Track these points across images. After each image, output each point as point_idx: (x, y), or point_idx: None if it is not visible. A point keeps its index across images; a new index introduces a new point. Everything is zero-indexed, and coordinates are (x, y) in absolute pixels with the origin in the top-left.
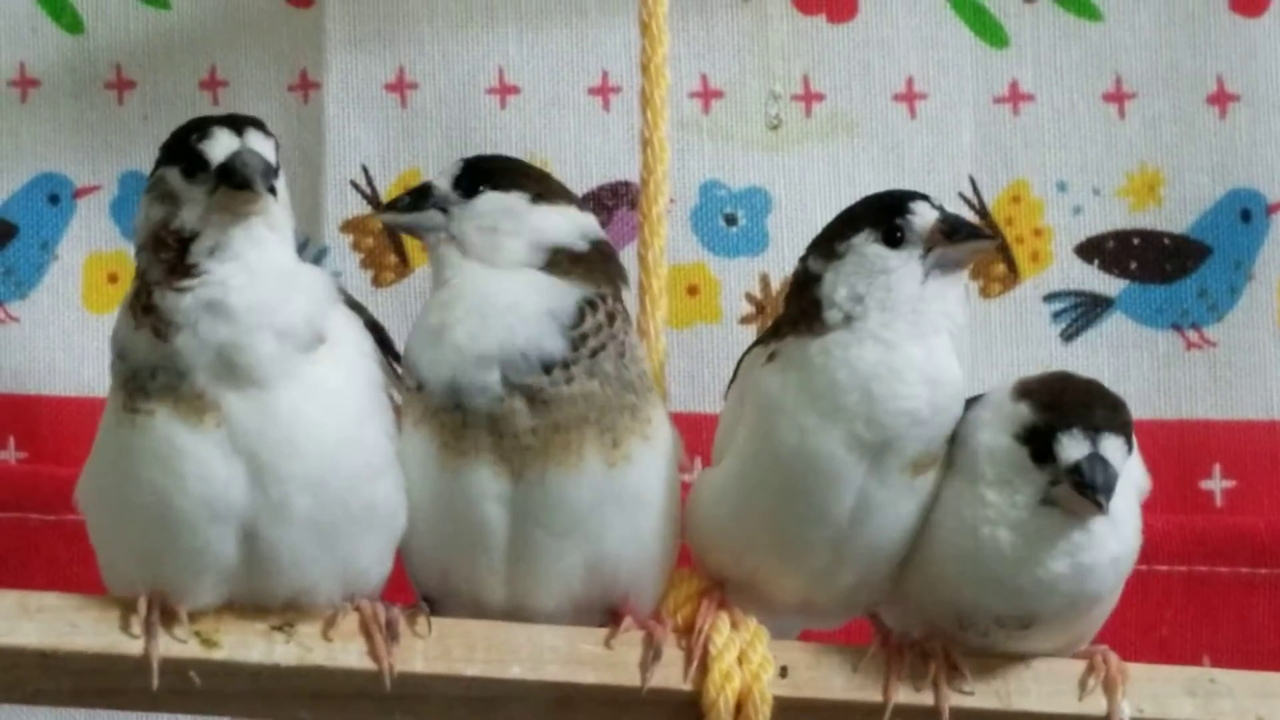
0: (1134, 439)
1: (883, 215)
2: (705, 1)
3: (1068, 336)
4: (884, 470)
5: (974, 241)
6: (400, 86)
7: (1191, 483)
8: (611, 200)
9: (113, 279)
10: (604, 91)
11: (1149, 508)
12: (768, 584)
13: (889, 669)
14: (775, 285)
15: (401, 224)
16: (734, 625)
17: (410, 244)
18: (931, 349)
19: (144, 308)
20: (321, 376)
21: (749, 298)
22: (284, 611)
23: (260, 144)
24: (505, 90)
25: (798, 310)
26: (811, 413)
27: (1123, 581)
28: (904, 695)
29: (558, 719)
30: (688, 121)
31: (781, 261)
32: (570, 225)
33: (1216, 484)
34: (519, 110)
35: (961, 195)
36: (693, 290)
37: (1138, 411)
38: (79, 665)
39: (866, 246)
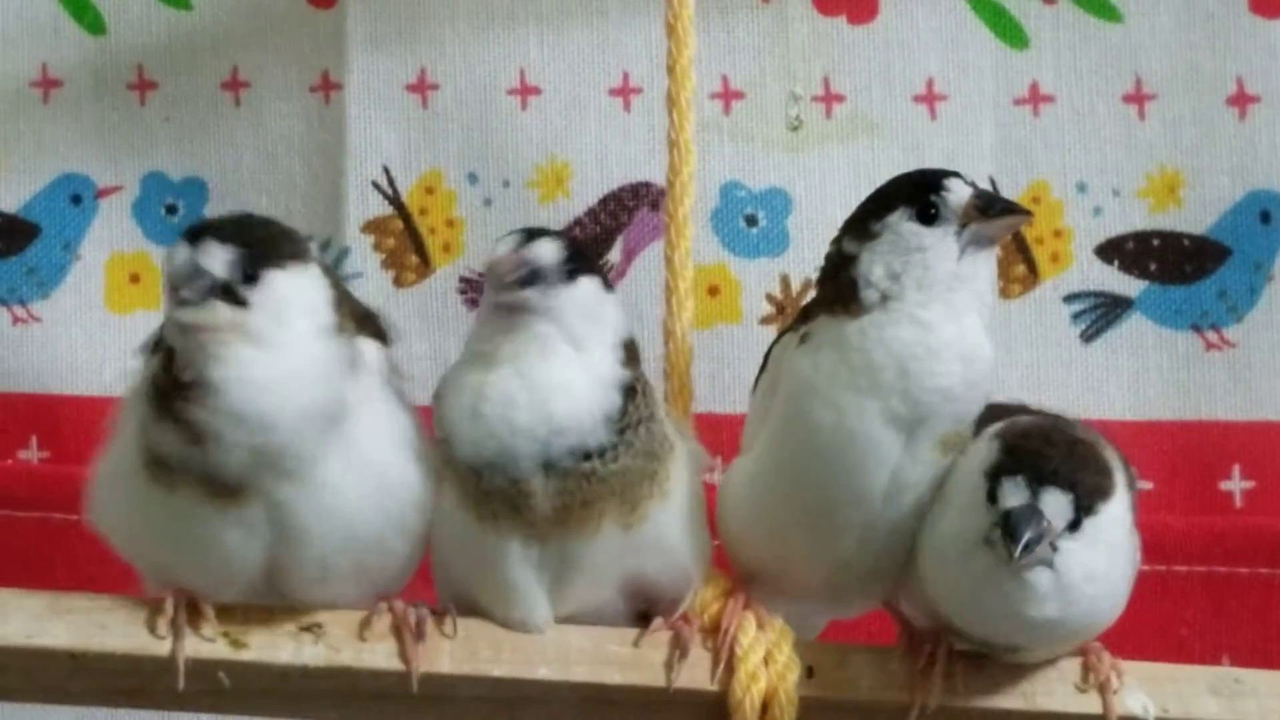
0: (1108, 505)
1: (917, 193)
2: (726, 3)
3: (1087, 337)
4: (916, 448)
5: (1009, 216)
6: (421, 87)
7: (1211, 484)
8: (632, 201)
9: (134, 279)
10: (625, 92)
11: (1168, 508)
12: (796, 570)
13: (915, 670)
14: (795, 286)
15: (517, 302)
16: (760, 625)
17: (431, 245)
18: (964, 328)
19: (162, 410)
20: (350, 451)
21: (769, 298)
22: (313, 612)
23: (210, 254)
24: (526, 91)
25: (833, 292)
26: (848, 391)
27: (1109, 611)
28: (930, 696)
29: (584, 719)
30: (708, 122)
31: (802, 262)
32: (625, 314)
33: (1236, 485)
34: (540, 111)
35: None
36: (713, 291)
37: (1157, 412)
38: (108, 666)
39: (902, 225)
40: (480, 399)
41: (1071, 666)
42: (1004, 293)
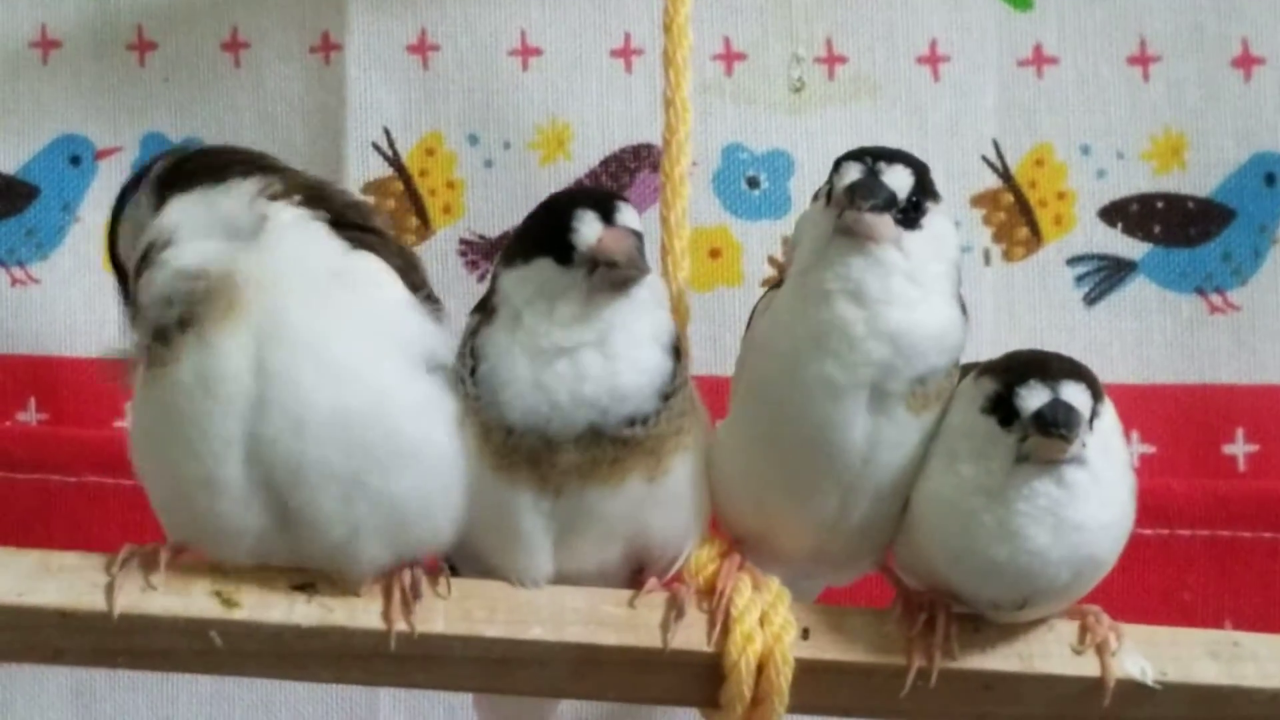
0: (1107, 409)
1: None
2: None
3: (1091, 300)
4: (886, 407)
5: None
6: (422, 48)
7: (1214, 447)
8: (634, 163)
9: None
10: (626, 54)
11: (1171, 472)
12: (781, 533)
13: (911, 634)
14: None
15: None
16: (756, 587)
17: (432, 207)
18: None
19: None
20: (329, 303)
21: (771, 261)
22: (308, 572)
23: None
24: (527, 52)
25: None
26: (801, 343)
27: (1117, 553)
28: (928, 660)
29: (579, 680)
30: (710, 84)
31: None
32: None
33: (1239, 448)
34: (541, 72)
35: (985, 158)
36: (715, 253)
37: (1160, 376)
38: (100, 624)
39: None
40: (546, 368)
41: (1069, 629)
42: (1007, 255)
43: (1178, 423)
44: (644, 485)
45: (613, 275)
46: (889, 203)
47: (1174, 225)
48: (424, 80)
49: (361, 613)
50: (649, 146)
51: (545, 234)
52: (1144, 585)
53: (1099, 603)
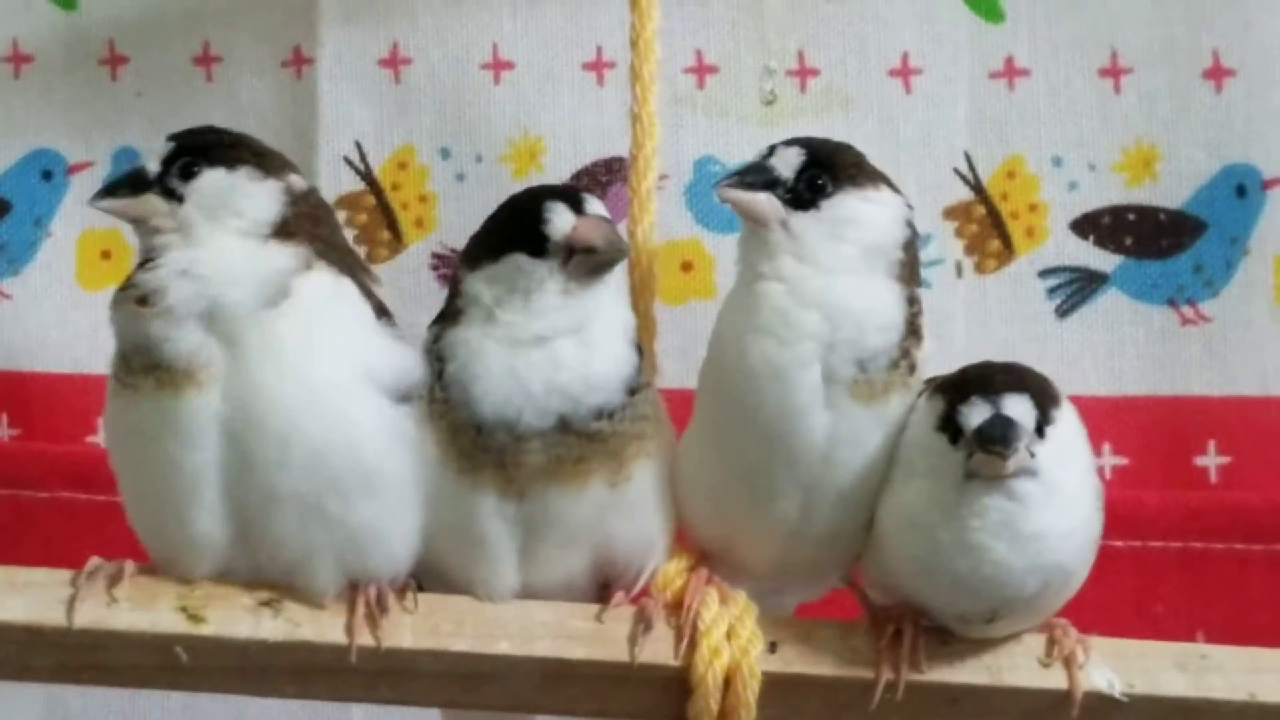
0: (1064, 415)
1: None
2: None
3: (1063, 312)
4: (834, 398)
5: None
6: (394, 62)
7: (1186, 459)
8: (606, 176)
9: (106, 255)
10: (598, 67)
11: (1143, 484)
12: (747, 541)
13: (879, 647)
14: None
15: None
16: (723, 600)
17: (404, 220)
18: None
19: (123, 286)
20: (283, 332)
21: None
22: (274, 587)
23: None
24: (499, 66)
25: None
26: (740, 330)
27: (1085, 561)
28: (894, 673)
29: (546, 695)
30: (682, 97)
31: None
32: None
33: (1211, 460)
34: (513, 86)
35: (956, 170)
36: (687, 266)
37: (1133, 387)
38: (65, 640)
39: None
40: (522, 358)
41: (1036, 642)
42: (979, 268)
43: (1149, 434)
44: (606, 490)
45: (593, 260)
46: (768, 183)
47: (1146, 237)
48: (396, 94)
49: (328, 628)
50: (621, 160)
51: (515, 229)
52: (1115, 597)
53: (1068, 614)
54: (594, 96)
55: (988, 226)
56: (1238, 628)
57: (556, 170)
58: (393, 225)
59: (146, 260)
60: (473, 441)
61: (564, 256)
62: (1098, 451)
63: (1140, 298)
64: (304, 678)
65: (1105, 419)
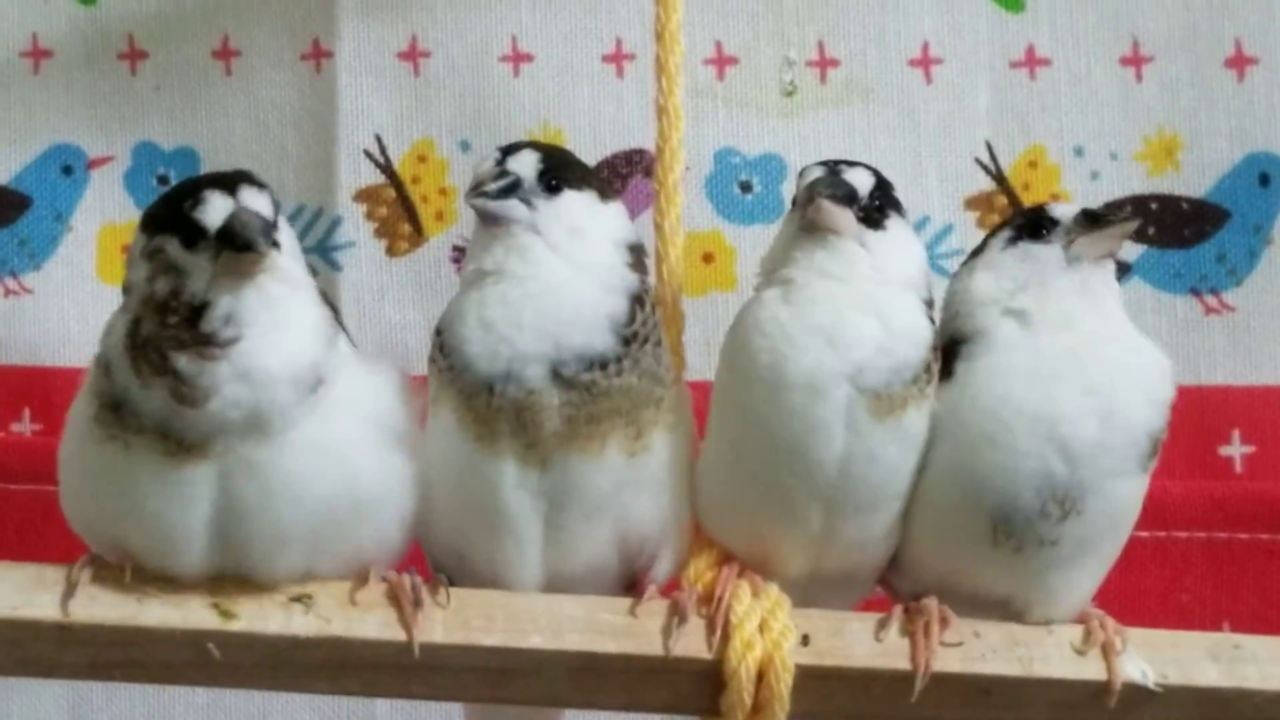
0: None
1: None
2: None
3: None
4: (852, 414)
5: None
6: (413, 55)
7: (1211, 449)
8: (626, 168)
9: (126, 250)
10: (618, 59)
11: (1167, 474)
12: (774, 553)
13: (913, 637)
14: None
15: (490, 210)
16: (755, 593)
17: (424, 213)
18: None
19: (154, 367)
20: (321, 425)
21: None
22: (304, 582)
23: (255, 199)
24: (518, 58)
25: None
26: (779, 342)
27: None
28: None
29: (577, 689)
30: (702, 89)
31: None
32: (628, 221)
33: (1236, 450)
34: (532, 78)
35: (978, 161)
36: (708, 258)
37: None
38: (96, 638)
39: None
40: (484, 307)
41: (1069, 633)
42: None
43: (1174, 424)
44: (624, 460)
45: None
46: (850, 197)
47: (1168, 226)
48: (415, 87)
49: (359, 624)
50: (641, 151)
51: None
52: (1141, 587)
53: (1098, 603)
54: (614, 89)
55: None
56: (1264, 617)
57: None
58: (413, 218)
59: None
60: (486, 405)
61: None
62: None
63: (1163, 287)
64: (335, 674)
65: None
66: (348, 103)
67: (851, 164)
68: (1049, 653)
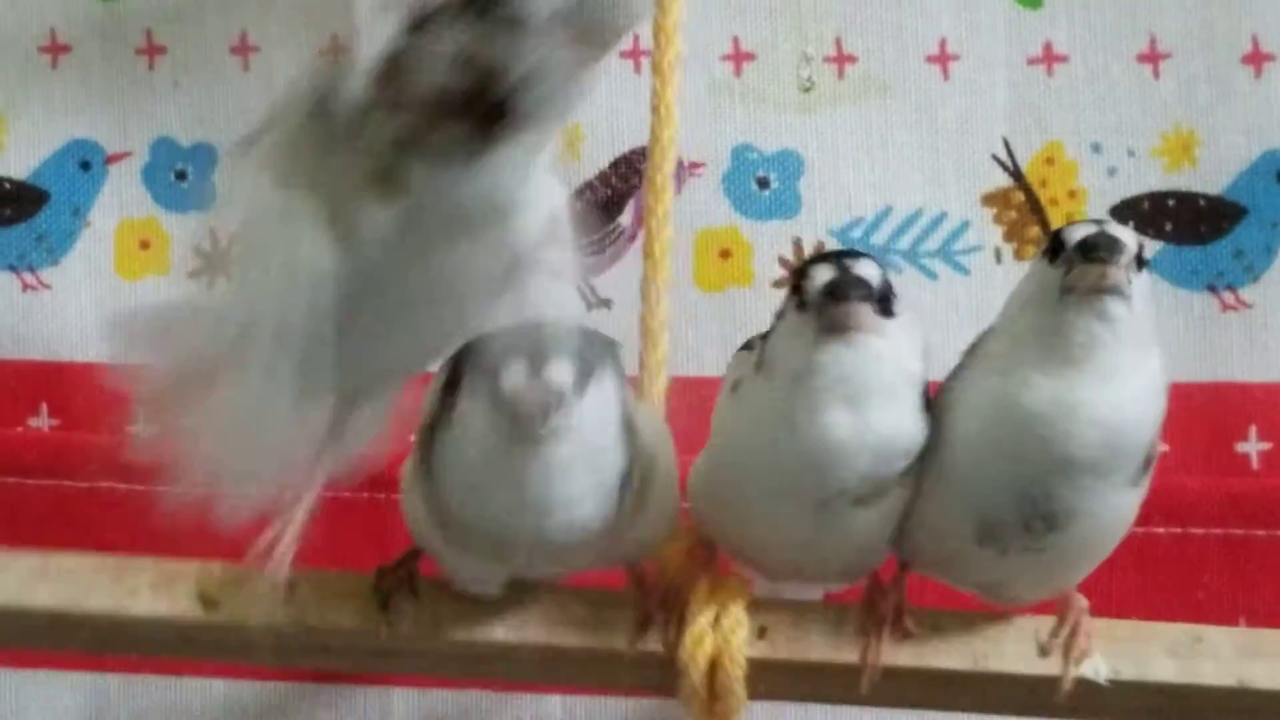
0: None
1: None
2: None
3: None
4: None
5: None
6: None
7: (1227, 445)
8: (643, 163)
9: (144, 245)
10: (636, 55)
11: (1184, 471)
12: (761, 554)
13: (866, 634)
14: (808, 248)
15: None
16: (714, 587)
17: None
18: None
19: None
20: None
21: (781, 261)
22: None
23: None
24: None
25: None
26: (779, 455)
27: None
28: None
29: (547, 673)
30: (719, 85)
31: (814, 225)
32: None
33: (1253, 446)
34: None
35: (995, 157)
36: (725, 254)
37: (1173, 374)
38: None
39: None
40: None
41: (1034, 624)
42: (1019, 254)
43: (1190, 421)
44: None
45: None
46: (868, 294)
47: (1185, 223)
48: None
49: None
50: None
51: None
52: (1157, 584)
53: (1114, 600)
54: (631, 85)
55: (1026, 213)
56: None
57: (594, 159)
58: None
59: None
60: None
61: None
62: None
63: (1180, 284)
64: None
65: None
66: None
67: (856, 255)
68: (1005, 649)
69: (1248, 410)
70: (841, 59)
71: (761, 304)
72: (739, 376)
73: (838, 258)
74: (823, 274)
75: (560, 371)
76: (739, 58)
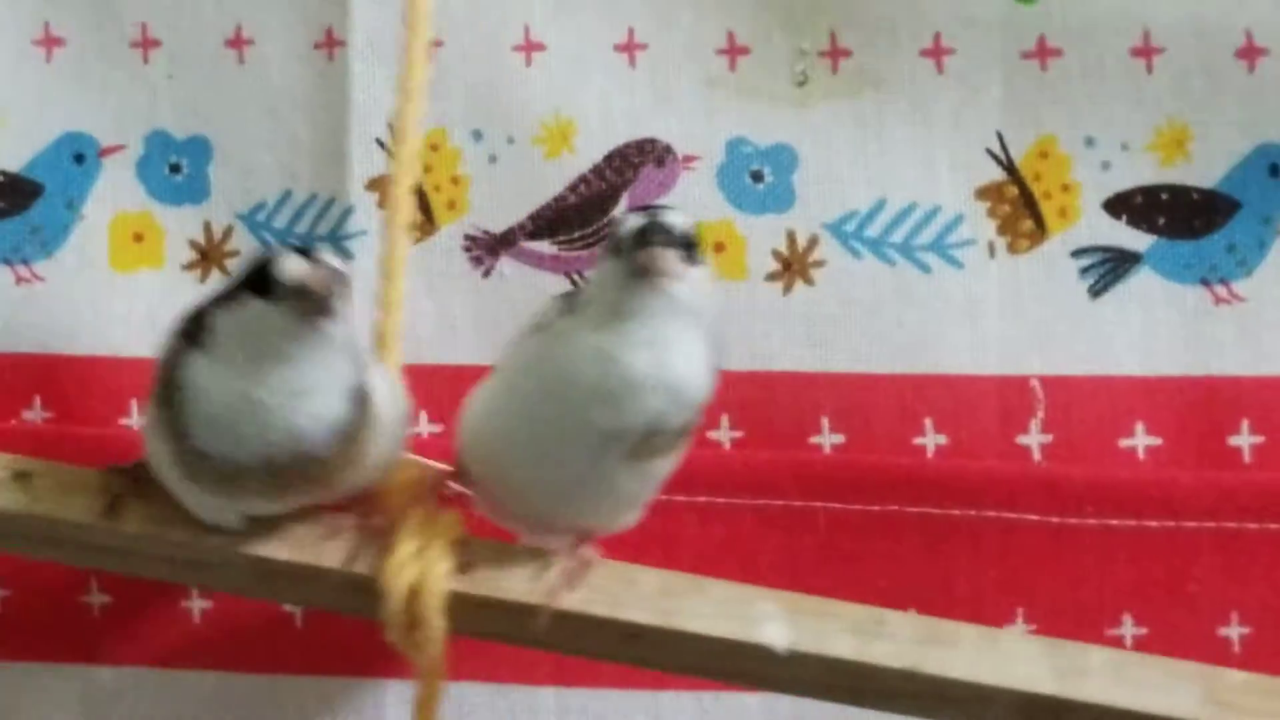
0: None
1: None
2: None
3: (1095, 292)
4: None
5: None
6: None
7: (1220, 439)
8: (638, 157)
9: (138, 238)
10: (629, 48)
11: (1176, 464)
12: (515, 501)
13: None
14: (802, 242)
15: None
16: (427, 520)
17: (436, 203)
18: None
19: None
20: None
21: (775, 255)
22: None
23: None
24: (531, 47)
25: None
26: (573, 389)
27: None
28: (572, 604)
29: (263, 585)
30: (714, 79)
31: (808, 218)
32: None
33: (1245, 440)
34: (545, 67)
35: (989, 151)
36: (719, 247)
37: (1166, 367)
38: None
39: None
40: None
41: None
42: (1012, 248)
43: (1183, 414)
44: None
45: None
46: (673, 240)
47: (1178, 217)
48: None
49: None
50: (653, 141)
51: None
52: (1149, 578)
53: (1106, 593)
54: (626, 78)
55: (1020, 207)
56: (1273, 607)
57: (588, 152)
58: (425, 207)
59: None
60: None
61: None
62: (1131, 432)
63: (1173, 277)
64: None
65: (1138, 399)
66: (360, 92)
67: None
68: (700, 610)
69: (1240, 404)
70: (836, 53)
71: (755, 297)
72: (542, 320)
73: (650, 210)
74: (634, 221)
75: (332, 258)
76: (733, 52)
